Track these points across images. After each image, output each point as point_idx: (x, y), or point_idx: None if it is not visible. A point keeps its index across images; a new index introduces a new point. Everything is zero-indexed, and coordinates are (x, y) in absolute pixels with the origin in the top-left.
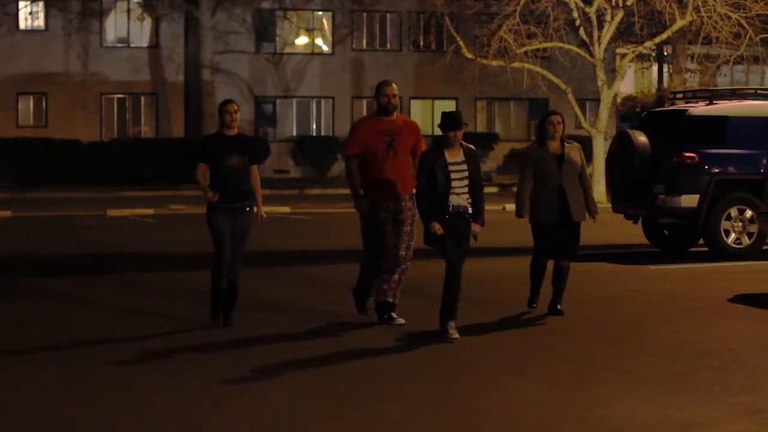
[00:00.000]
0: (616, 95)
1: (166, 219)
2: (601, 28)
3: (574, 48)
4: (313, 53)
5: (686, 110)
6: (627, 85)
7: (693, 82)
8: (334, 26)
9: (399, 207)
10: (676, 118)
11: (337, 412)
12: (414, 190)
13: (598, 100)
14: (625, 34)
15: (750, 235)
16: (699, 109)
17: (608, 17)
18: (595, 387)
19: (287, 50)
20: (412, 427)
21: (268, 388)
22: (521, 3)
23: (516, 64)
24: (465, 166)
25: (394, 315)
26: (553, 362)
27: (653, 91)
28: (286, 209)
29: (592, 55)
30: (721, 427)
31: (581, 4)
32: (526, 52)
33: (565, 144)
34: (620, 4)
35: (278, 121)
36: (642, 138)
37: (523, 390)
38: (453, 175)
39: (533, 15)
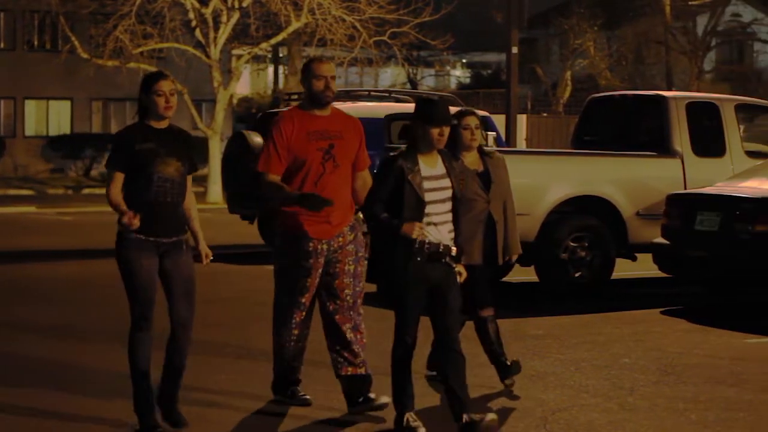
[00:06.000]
0: (232, 96)
1: None
2: (217, 29)
3: (190, 49)
4: None
5: None
6: (243, 86)
7: None
8: None
9: (335, 246)
10: None
11: None
12: (355, 216)
13: (214, 101)
14: (241, 35)
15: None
16: None
17: (224, 18)
18: (211, 385)
19: None
20: None
21: None
22: (137, 3)
23: (132, 65)
24: (447, 182)
25: (372, 395)
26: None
27: (269, 92)
28: None
29: (208, 56)
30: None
31: (197, 5)
32: (142, 53)
33: (487, 157)
34: (236, 6)
35: None
36: (258, 139)
37: None
38: (431, 196)
39: (149, 15)
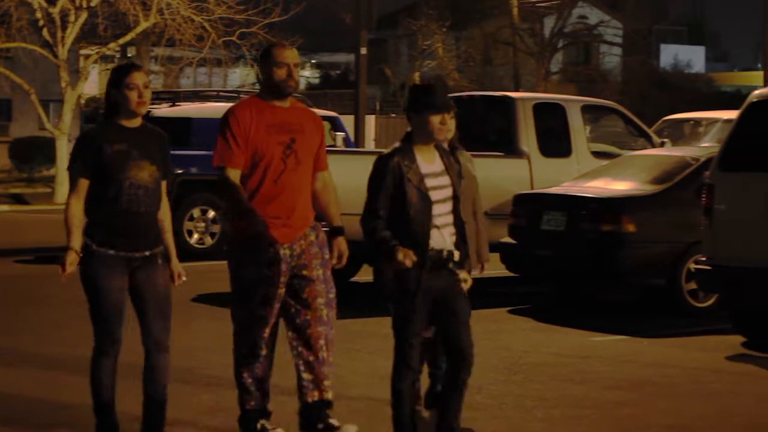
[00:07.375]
0: (80, 96)
1: None
2: (65, 28)
3: (37, 48)
4: None
5: (149, 111)
6: (91, 86)
7: (157, 83)
8: None
9: (298, 250)
10: None
11: None
12: (314, 221)
13: (62, 102)
14: (89, 35)
15: (213, 235)
16: (162, 110)
17: (72, 18)
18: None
19: None
20: None
21: None
22: None
23: None
24: (447, 179)
25: (332, 421)
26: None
27: None
28: None
29: (55, 56)
30: (191, 427)
31: (45, 5)
32: None
33: (458, 151)
34: (84, 5)
35: None
36: None
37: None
38: (432, 195)
39: None
